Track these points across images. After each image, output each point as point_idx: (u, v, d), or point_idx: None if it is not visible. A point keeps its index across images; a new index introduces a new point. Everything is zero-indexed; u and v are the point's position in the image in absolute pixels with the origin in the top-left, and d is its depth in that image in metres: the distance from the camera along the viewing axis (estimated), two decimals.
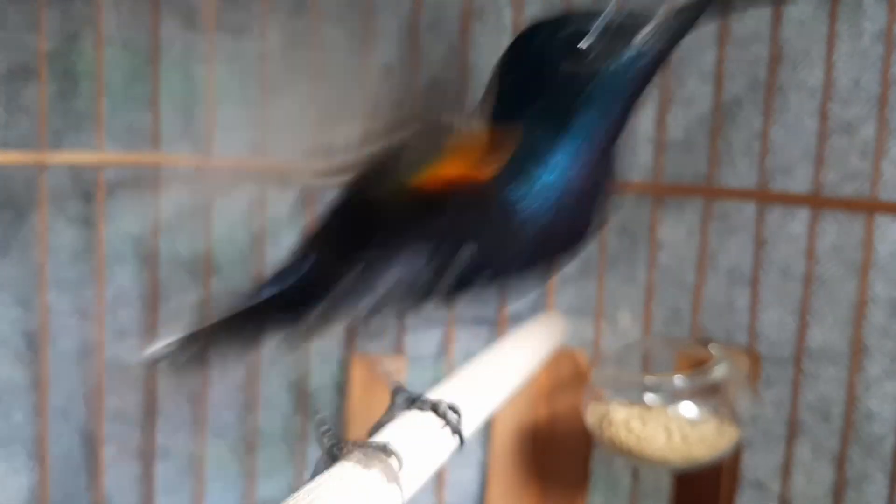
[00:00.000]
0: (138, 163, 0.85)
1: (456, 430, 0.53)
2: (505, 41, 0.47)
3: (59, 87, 0.85)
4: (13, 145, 0.84)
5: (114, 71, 0.86)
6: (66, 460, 0.89)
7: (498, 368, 0.69)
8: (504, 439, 0.92)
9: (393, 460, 0.44)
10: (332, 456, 0.45)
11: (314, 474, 0.45)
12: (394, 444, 0.46)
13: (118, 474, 0.91)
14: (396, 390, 0.55)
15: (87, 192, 0.87)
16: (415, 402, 0.54)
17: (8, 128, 0.84)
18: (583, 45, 0.45)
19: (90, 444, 0.89)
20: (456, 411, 0.53)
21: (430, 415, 0.53)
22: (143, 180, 0.88)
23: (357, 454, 0.45)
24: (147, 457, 0.90)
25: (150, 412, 0.90)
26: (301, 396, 0.92)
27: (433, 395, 0.58)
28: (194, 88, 0.89)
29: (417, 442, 0.50)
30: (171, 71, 0.88)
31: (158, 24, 0.84)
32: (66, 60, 0.85)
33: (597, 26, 0.45)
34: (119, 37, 0.86)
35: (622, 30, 0.45)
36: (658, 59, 0.45)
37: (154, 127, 0.85)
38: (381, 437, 0.48)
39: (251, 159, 0.88)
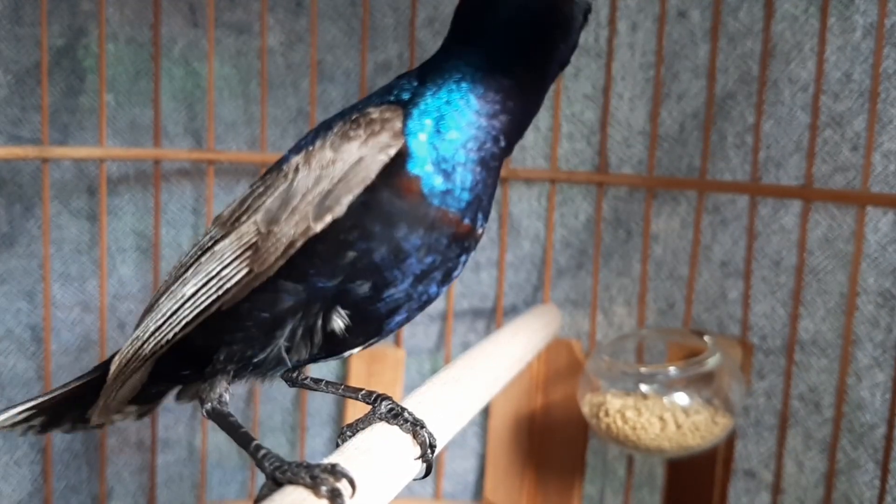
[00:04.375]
0: (140, 157, 0.86)
1: (428, 463, 0.50)
2: None
3: (68, 82, 0.86)
4: (27, 141, 0.84)
5: (118, 67, 0.87)
6: (69, 452, 0.89)
7: (494, 359, 0.70)
8: (501, 429, 0.93)
9: (343, 483, 0.42)
10: (276, 480, 0.43)
11: (258, 501, 0.43)
12: (344, 466, 0.42)
13: (120, 466, 0.92)
14: (382, 397, 0.53)
15: (90, 186, 0.87)
16: (397, 416, 0.51)
17: (22, 124, 0.85)
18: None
19: (92, 436, 0.90)
20: (433, 445, 0.51)
21: (405, 436, 0.50)
22: (146, 175, 0.89)
23: (305, 477, 0.42)
24: (148, 448, 0.91)
25: None
26: (300, 391, 0.93)
27: (429, 389, 0.58)
28: (196, 84, 0.89)
29: (379, 463, 0.47)
30: (174, 67, 0.88)
31: (160, 21, 0.85)
32: (73, 56, 0.86)
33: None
34: (123, 33, 0.87)
35: None
36: None
37: (156, 122, 0.85)
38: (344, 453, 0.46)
39: (251, 154, 0.89)
